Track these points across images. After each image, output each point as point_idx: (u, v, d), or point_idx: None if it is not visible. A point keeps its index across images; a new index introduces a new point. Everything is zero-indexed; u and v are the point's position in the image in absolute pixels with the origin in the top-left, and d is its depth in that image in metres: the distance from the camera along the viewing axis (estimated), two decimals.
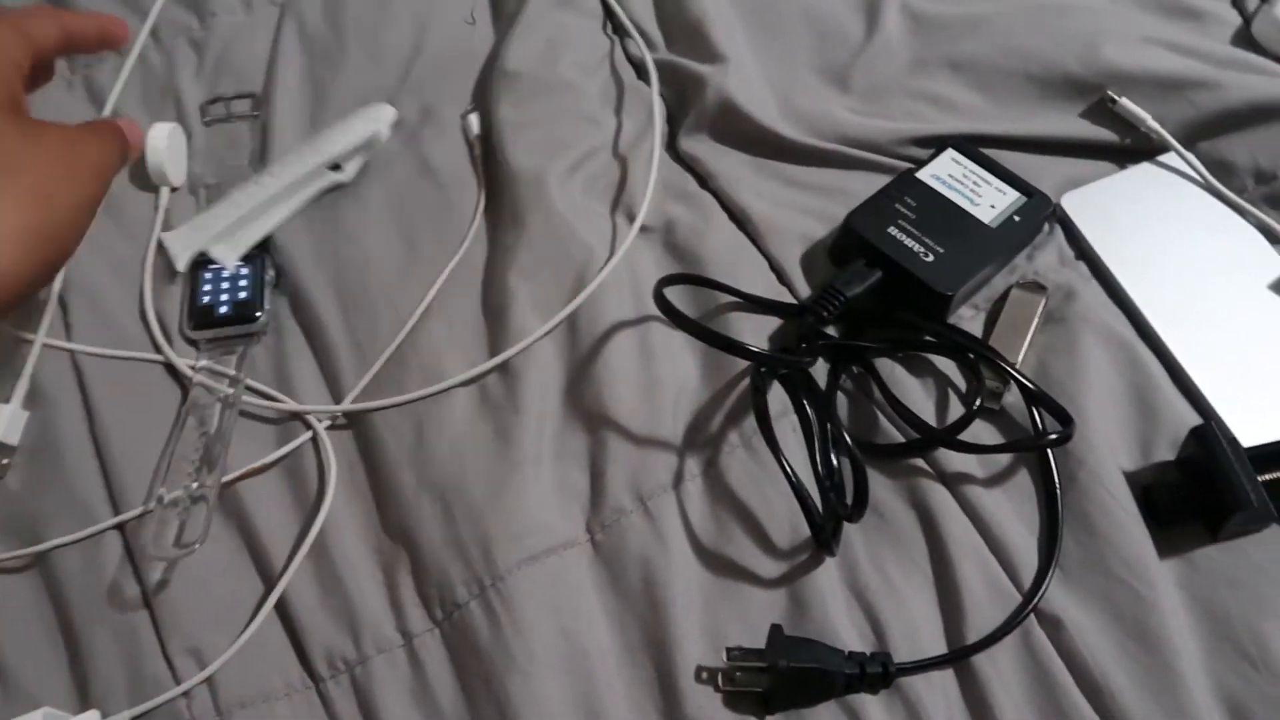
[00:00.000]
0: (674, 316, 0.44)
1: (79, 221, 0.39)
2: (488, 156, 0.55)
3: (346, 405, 0.48)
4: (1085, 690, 0.40)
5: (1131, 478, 0.44)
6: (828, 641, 0.41)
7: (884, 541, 0.44)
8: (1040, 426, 0.45)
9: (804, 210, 0.53)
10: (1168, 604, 0.41)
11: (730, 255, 0.51)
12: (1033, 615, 0.41)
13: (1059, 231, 0.52)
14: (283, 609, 0.43)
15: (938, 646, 0.42)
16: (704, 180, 0.55)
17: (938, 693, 0.40)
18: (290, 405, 0.48)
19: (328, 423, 0.48)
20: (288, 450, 0.47)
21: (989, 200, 0.50)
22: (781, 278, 0.51)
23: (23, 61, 0.40)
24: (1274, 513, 0.41)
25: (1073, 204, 0.52)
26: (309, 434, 0.47)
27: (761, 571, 0.43)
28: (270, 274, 0.52)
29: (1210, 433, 0.43)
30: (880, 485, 0.45)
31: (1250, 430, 0.45)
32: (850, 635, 0.41)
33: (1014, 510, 0.44)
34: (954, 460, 0.45)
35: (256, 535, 0.45)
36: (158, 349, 0.50)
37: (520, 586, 0.42)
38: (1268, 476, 0.43)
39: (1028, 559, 0.43)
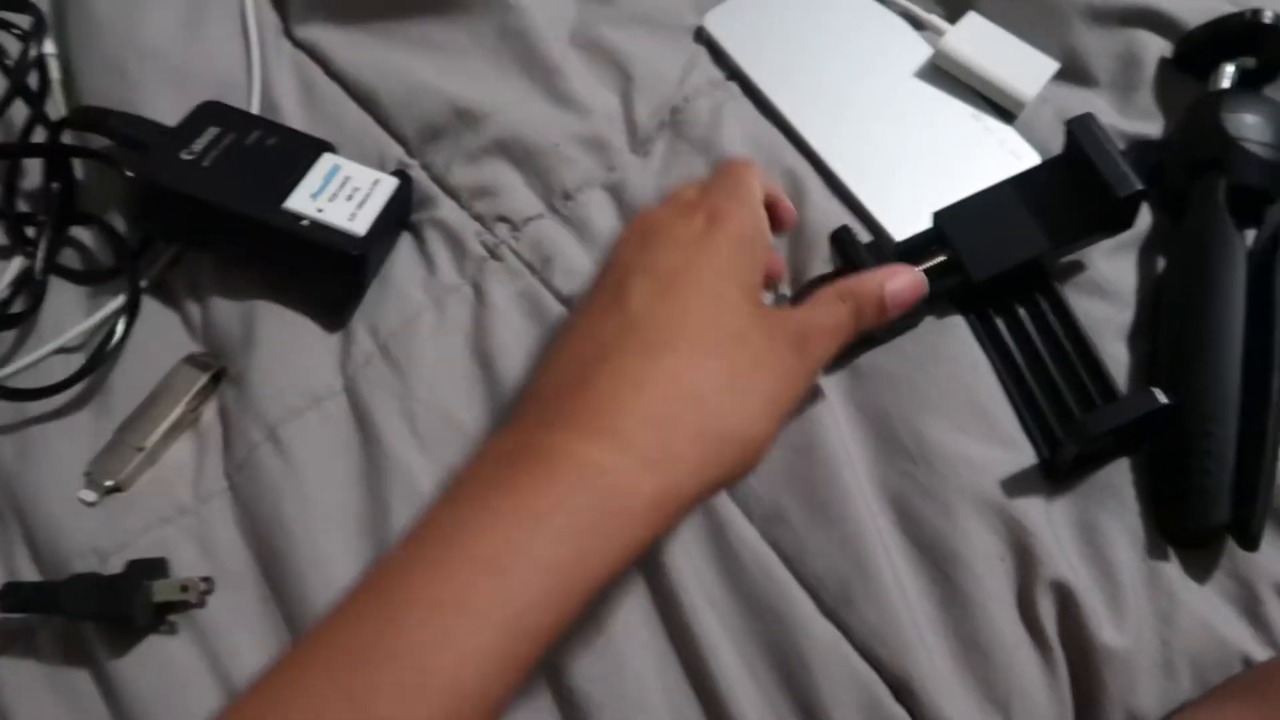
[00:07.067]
0: None
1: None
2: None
3: None
4: (757, 520, 0.39)
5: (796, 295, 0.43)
6: None
7: None
8: None
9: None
10: (831, 417, 0.40)
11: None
12: None
13: (705, 54, 0.49)
14: None
15: None
16: (327, 65, 0.50)
17: None
18: None
19: None
20: None
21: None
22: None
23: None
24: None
25: (715, 23, 0.49)
26: None
27: None
28: None
29: (845, 235, 0.41)
30: None
31: (905, 224, 0.44)
32: None
33: None
34: None
35: None
36: None
37: None
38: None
39: None
